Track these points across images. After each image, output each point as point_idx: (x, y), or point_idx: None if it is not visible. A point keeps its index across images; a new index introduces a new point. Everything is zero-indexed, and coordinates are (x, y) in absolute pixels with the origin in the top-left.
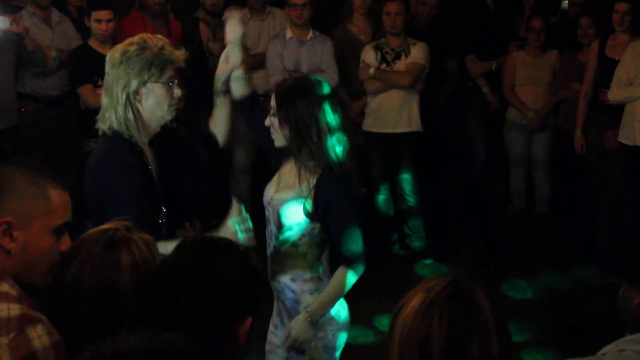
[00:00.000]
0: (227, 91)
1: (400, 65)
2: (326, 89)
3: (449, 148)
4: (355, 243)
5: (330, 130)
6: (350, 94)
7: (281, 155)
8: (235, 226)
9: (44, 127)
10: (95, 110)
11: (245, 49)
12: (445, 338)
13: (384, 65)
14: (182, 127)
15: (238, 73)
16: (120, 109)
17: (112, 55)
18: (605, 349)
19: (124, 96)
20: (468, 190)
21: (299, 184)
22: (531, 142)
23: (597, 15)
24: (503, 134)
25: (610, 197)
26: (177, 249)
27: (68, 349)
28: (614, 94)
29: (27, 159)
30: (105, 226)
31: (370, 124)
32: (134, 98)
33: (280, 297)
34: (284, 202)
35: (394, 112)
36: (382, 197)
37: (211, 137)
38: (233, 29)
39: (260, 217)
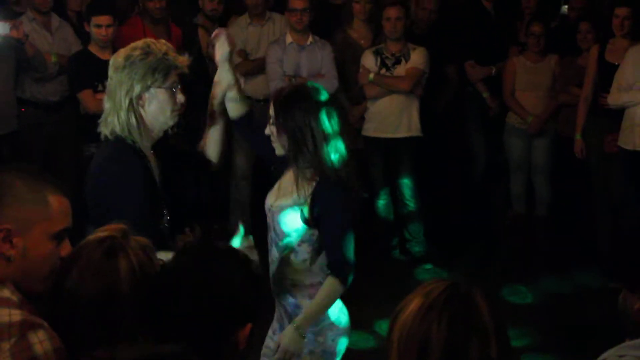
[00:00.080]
0: (221, 113)
1: (400, 70)
2: (323, 96)
3: (449, 153)
4: (344, 252)
5: (327, 138)
6: (350, 99)
7: (282, 164)
8: None
9: (43, 132)
10: (95, 116)
11: (244, 56)
12: (444, 341)
13: (383, 71)
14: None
15: (232, 94)
16: (122, 114)
17: (116, 59)
18: (605, 354)
19: (127, 101)
20: (468, 195)
21: (297, 192)
22: (531, 147)
23: (596, 20)
24: (503, 138)
25: (610, 201)
26: (177, 254)
27: (68, 354)
28: (614, 99)
29: (26, 164)
30: (102, 233)
31: (370, 129)
32: (137, 103)
33: (281, 303)
34: (282, 209)
35: (394, 117)
36: (382, 202)
37: (203, 159)
38: (220, 48)
39: (261, 222)
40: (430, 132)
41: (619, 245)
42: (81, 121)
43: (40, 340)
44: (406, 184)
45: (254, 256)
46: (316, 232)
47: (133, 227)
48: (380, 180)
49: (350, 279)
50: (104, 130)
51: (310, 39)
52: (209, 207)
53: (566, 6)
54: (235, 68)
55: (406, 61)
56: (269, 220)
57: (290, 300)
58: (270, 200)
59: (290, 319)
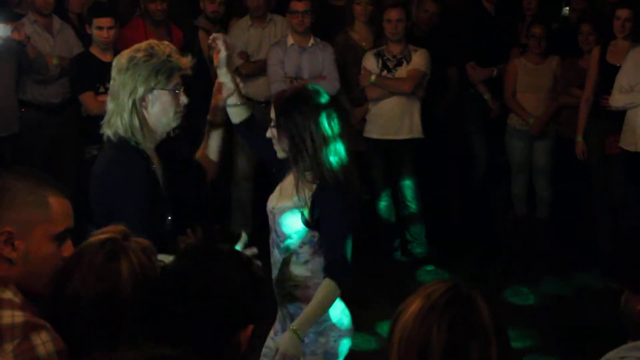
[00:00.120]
0: (220, 124)
1: (401, 72)
2: (324, 99)
3: (450, 154)
4: (342, 254)
5: (326, 141)
6: (352, 101)
7: (283, 166)
8: None
9: (45, 134)
10: (97, 118)
11: (245, 58)
12: (444, 343)
13: (385, 72)
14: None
15: (233, 99)
16: (126, 115)
17: (119, 61)
18: (607, 356)
19: (130, 102)
20: (469, 196)
21: (297, 194)
22: (532, 148)
23: (597, 22)
24: (504, 140)
25: (611, 202)
26: (179, 255)
27: (70, 356)
28: (615, 100)
29: (27, 166)
30: (103, 235)
31: (371, 131)
32: (140, 104)
33: (283, 304)
34: (283, 211)
35: (395, 119)
36: (383, 204)
37: (199, 169)
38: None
39: (263, 223)
40: (431, 133)
41: (620, 247)
42: (83, 123)
43: (43, 341)
44: (407, 185)
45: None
46: (317, 234)
47: (134, 229)
48: (382, 182)
49: (347, 281)
50: (107, 131)
51: (311, 40)
52: (210, 208)
53: (567, 8)
54: (235, 71)
55: (407, 63)
56: (270, 222)
57: (292, 301)
58: (271, 202)
59: (292, 320)
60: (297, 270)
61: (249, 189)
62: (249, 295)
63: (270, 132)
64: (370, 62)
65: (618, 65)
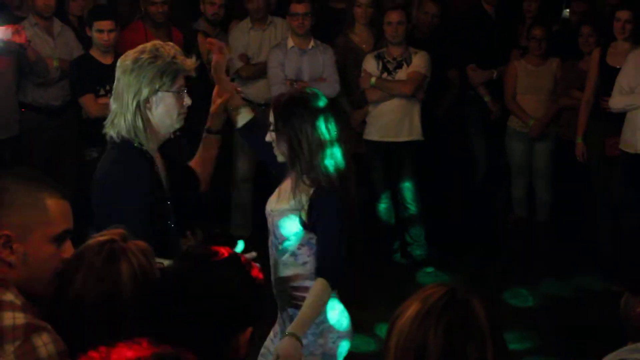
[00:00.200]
0: (218, 131)
1: (401, 74)
2: (322, 103)
3: (451, 156)
4: (334, 255)
5: (323, 146)
6: (352, 103)
7: (283, 169)
8: None
9: (45, 136)
10: (97, 120)
11: (246, 60)
12: (441, 347)
13: (385, 75)
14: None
15: (233, 105)
16: (129, 116)
17: (124, 62)
18: (607, 358)
19: (135, 104)
20: (469, 198)
21: (295, 196)
22: (532, 150)
23: (598, 24)
24: (504, 142)
25: (611, 204)
26: (179, 258)
27: (71, 357)
28: (615, 102)
29: (25, 168)
30: (103, 237)
31: (371, 133)
32: (144, 106)
33: (282, 306)
34: (281, 213)
35: (396, 121)
36: (383, 206)
37: (193, 176)
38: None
39: (263, 225)
40: (431, 135)
41: (620, 249)
42: (83, 126)
43: (45, 343)
44: (407, 187)
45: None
46: (315, 236)
47: (134, 231)
48: (382, 184)
49: (339, 281)
50: (110, 131)
51: (311, 43)
52: (210, 210)
53: (567, 10)
54: (235, 74)
55: (408, 65)
56: (269, 224)
57: (292, 303)
58: (270, 204)
59: (292, 321)
60: (296, 271)
61: (248, 190)
62: (248, 297)
63: (270, 136)
64: (370, 65)
65: (618, 67)
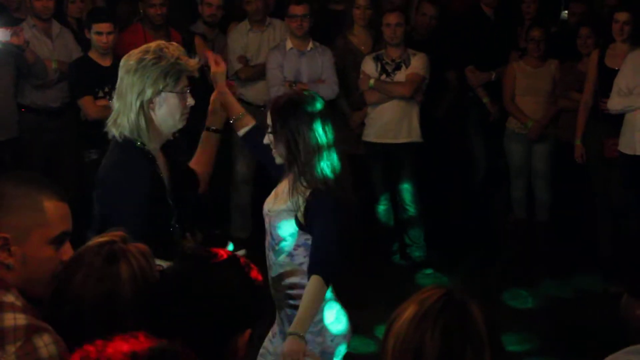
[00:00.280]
0: (218, 129)
1: (400, 76)
2: (319, 105)
3: (450, 158)
4: (327, 252)
5: (319, 148)
6: (351, 105)
7: (282, 171)
8: None
9: (44, 138)
10: (96, 122)
11: (245, 62)
12: (438, 350)
13: (384, 76)
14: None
15: (234, 115)
16: (133, 116)
17: (127, 62)
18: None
19: (138, 104)
20: (468, 199)
21: (292, 197)
22: (531, 152)
23: (596, 25)
24: (503, 143)
25: (611, 205)
26: (178, 259)
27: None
28: (614, 104)
29: (23, 171)
30: (102, 238)
31: (370, 135)
32: (148, 106)
33: (280, 306)
34: (278, 214)
35: (394, 123)
36: (382, 207)
37: (193, 176)
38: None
39: (263, 227)
40: (430, 137)
41: (621, 251)
42: (82, 127)
43: (46, 344)
44: (406, 189)
45: None
46: (311, 237)
47: (132, 232)
48: (381, 186)
49: (334, 277)
50: (113, 130)
51: (310, 44)
52: (210, 212)
53: (566, 11)
54: (234, 75)
55: (406, 67)
56: (266, 225)
57: (289, 302)
58: (267, 205)
59: (290, 322)
60: (292, 272)
61: (248, 192)
62: (248, 298)
63: (267, 138)
64: (369, 66)
65: (617, 68)
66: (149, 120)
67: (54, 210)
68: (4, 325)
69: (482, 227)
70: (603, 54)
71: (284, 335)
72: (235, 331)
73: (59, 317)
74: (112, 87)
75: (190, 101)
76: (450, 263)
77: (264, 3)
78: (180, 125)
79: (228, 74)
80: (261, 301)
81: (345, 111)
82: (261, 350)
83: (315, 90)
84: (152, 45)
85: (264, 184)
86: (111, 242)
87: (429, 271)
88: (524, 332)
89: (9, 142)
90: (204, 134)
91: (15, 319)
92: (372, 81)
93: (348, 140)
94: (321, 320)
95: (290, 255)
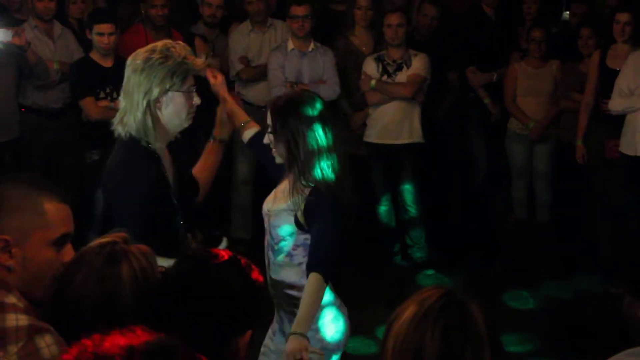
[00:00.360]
0: (224, 140)
1: (401, 76)
2: (319, 105)
3: (451, 159)
4: (326, 249)
5: (319, 148)
6: (352, 106)
7: (282, 171)
8: None
9: (45, 139)
10: (97, 123)
11: (246, 63)
12: (438, 350)
13: (385, 77)
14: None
15: (239, 124)
16: (139, 115)
17: (134, 61)
18: None
19: (145, 103)
20: (469, 200)
21: (292, 197)
22: (532, 152)
23: (597, 26)
24: (504, 144)
25: (611, 206)
26: (179, 260)
27: None
28: (615, 104)
29: (24, 172)
30: (104, 239)
31: (371, 135)
32: (154, 105)
33: (279, 305)
34: (278, 214)
35: (396, 124)
36: (383, 208)
37: (194, 183)
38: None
39: (263, 228)
40: (431, 138)
41: (622, 251)
42: (83, 128)
43: (48, 344)
44: (408, 189)
45: None
46: (310, 236)
47: (133, 232)
48: (382, 186)
49: (333, 276)
50: (119, 129)
51: (311, 45)
52: (211, 212)
53: (567, 12)
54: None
55: (407, 67)
56: (265, 224)
57: (288, 302)
58: (266, 205)
59: (290, 321)
60: (291, 271)
61: (248, 192)
62: (248, 300)
63: (267, 138)
64: (370, 67)
65: (618, 69)
66: (156, 120)
67: (54, 212)
68: (6, 326)
69: (482, 228)
70: (604, 54)
71: (283, 333)
72: (236, 332)
73: (60, 318)
74: (114, 88)
75: (197, 100)
76: (451, 263)
77: (265, 4)
78: (186, 124)
79: (229, 75)
80: (262, 301)
81: (347, 112)
82: (262, 349)
83: (316, 91)
84: (159, 44)
85: (264, 184)
86: (112, 243)
87: (430, 272)
88: (524, 332)
89: (10, 143)
90: (209, 144)
91: (17, 320)
92: (373, 82)
93: (349, 140)
94: (319, 318)
95: (290, 255)
